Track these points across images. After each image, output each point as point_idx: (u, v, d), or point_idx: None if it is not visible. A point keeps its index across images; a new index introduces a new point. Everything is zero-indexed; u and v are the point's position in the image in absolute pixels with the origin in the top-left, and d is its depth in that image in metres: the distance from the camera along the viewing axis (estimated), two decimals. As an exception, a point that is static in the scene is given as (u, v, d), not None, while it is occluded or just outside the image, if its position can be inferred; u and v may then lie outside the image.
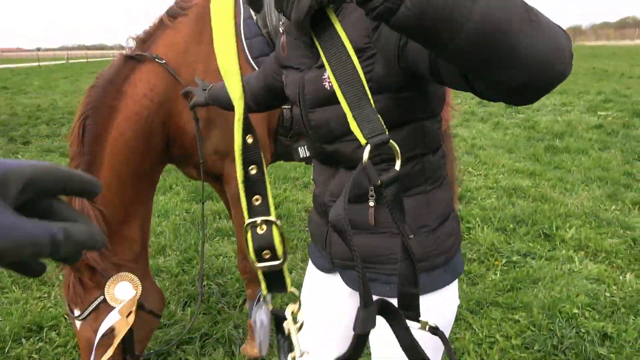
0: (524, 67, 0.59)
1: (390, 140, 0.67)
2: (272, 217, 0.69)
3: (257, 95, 1.34)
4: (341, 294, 1.21)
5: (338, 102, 0.92)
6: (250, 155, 0.69)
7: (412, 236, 1.00)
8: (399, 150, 0.69)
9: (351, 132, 0.87)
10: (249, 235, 0.70)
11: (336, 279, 1.20)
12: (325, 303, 1.25)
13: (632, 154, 5.63)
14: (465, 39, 0.55)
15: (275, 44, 1.93)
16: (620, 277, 2.93)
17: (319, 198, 1.15)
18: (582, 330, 2.40)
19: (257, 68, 1.92)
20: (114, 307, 1.67)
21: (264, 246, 0.70)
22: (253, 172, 0.70)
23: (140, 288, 1.76)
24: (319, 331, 1.26)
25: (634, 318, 2.50)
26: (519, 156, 5.77)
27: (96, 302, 1.67)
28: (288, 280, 0.74)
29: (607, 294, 2.74)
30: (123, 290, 1.73)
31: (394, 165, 0.86)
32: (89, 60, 49.00)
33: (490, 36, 0.55)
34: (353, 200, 1.04)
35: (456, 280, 1.10)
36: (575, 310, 2.55)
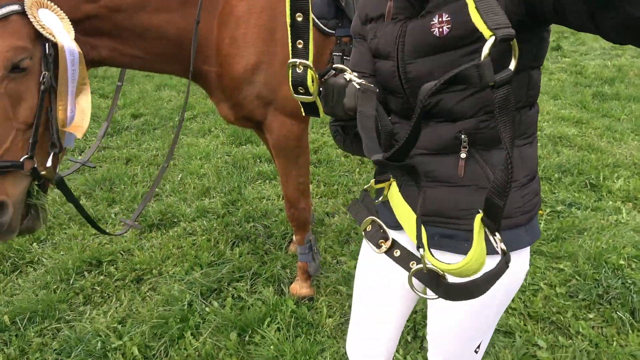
0: None
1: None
2: (309, 62, 0.83)
3: None
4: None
5: (445, 50, 0.89)
6: (298, 3, 0.80)
7: None
8: (517, 48, 0.65)
9: (457, 82, 0.85)
10: (290, 72, 0.85)
11: (404, 237, 1.18)
12: (386, 260, 1.26)
13: (688, 102, 5.33)
14: None
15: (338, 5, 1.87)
16: (670, 230, 2.87)
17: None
18: (629, 281, 2.39)
19: (320, 24, 1.87)
20: (37, 32, 1.28)
21: (299, 83, 0.85)
22: (299, 19, 0.81)
23: (72, 33, 1.38)
24: (376, 291, 1.26)
25: (683, 271, 2.47)
26: (564, 103, 5.54)
27: (2, 10, 1.23)
28: (320, 109, 0.94)
29: (655, 246, 2.70)
30: (49, 19, 1.32)
31: (492, 118, 0.85)
32: None
33: None
34: (438, 151, 1.03)
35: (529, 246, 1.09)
36: (622, 262, 2.53)
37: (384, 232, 1.01)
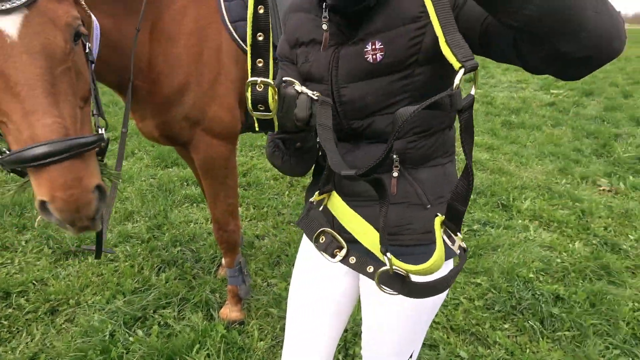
0: (590, 40, 0.66)
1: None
2: (269, 80, 0.85)
3: None
4: (339, 270, 1.25)
5: (378, 75, 0.96)
6: (259, 24, 0.82)
7: (429, 206, 1.07)
8: (478, 76, 0.74)
9: (388, 106, 0.94)
10: (249, 90, 0.86)
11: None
12: (320, 277, 1.27)
13: (582, 131, 5.96)
14: (539, 5, 0.61)
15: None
16: (570, 245, 3.16)
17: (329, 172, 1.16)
18: (537, 292, 2.60)
19: (234, 32, 1.88)
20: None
21: (260, 101, 0.86)
22: (260, 38, 0.84)
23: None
24: (309, 304, 1.29)
25: (582, 282, 2.73)
26: (477, 130, 5.99)
27: None
28: (276, 124, 0.94)
29: (559, 260, 2.97)
30: None
31: (424, 139, 0.94)
32: None
33: (563, 6, 0.62)
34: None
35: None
36: (531, 275, 2.75)
37: (338, 241, 1.04)
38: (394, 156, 1.06)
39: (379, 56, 0.99)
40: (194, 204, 3.63)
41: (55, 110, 1.04)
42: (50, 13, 1.07)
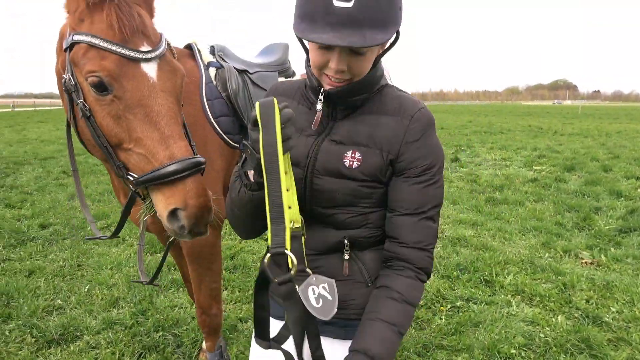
0: None
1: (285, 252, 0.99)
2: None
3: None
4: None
5: (351, 179, 1.18)
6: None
7: (370, 284, 1.20)
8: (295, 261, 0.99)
9: (353, 205, 1.19)
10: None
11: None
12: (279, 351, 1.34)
13: (563, 206, 6.13)
14: None
15: (234, 105, 2.10)
16: (553, 319, 3.18)
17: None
18: (519, 368, 2.59)
19: (217, 127, 2.07)
20: None
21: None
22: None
23: None
24: None
25: (564, 356, 2.73)
26: (462, 207, 6.15)
27: (165, 39, 1.45)
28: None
29: (542, 335, 2.98)
30: None
31: (376, 230, 1.24)
32: (36, 108, 47.59)
33: None
34: (325, 252, 1.23)
35: None
36: (513, 351, 2.76)
37: None
38: (346, 241, 1.21)
39: (355, 164, 1.17)
40: (180, 289, 3.67)
41: (183, 135, 1.33)
42: (173, 64, 1.40)
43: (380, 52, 1.16)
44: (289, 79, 2.41)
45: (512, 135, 16.41)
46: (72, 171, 1.78)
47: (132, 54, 1.29)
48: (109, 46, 1.27)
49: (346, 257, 1.22)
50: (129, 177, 1.34)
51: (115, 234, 1.73)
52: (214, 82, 2.13)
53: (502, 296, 3.54)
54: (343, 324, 1.23)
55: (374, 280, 1.22)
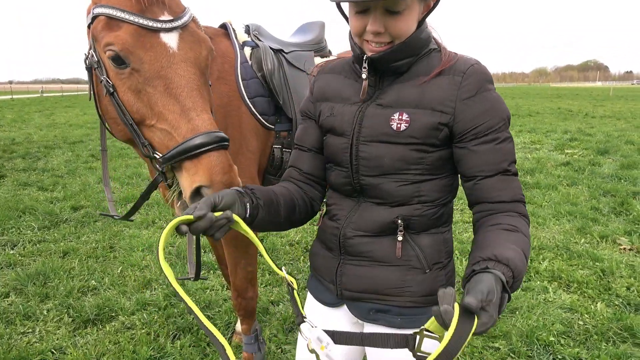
0: None
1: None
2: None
3: (314, 172, 1.31)
4: (344, 326, 1.28)
5: (398, 143, 1.10)
6: None
7: (428, 271, 1.13)
8: None
9: (401, 172, 1.11)
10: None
11: (341, 312, 1.28)
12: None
13: (598, 190, 5.93)
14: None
15: (269, 85, 2.05)
16: (592, 306, 3.08)
17: (336, 230, 1.23)
18: (559, 356, 2.52)
19: (252, 107, 2.02)
20: None
21: None
22: None
23: None
24: None
25: (605, 344, 2.64)
26: (492, 191, 6.01)
27: (189, 11, 1.37)
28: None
29: (580, 322, 2.89)
30: None
31: (428, 208, 1.14)
32: (63, 94, 48.53)
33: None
34: (376, 233, 1.16)
35: None
36: (552, 338, 2.68)
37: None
38: (399, 221, 1.13)
39: (403, 126, 1.10)
40: (211, 271, 3.69)
41: (207, 108, 1.24)
42: (197, 35, 1.32)
43: (424, 12, 1.11)
44: (326, 58, 2.34)
45: (541, 118, 15.97)
46: (101, 150, 1.76)
47: (150, 23, 1.22)
48: (126, 16, 1.21)
49: (399, 238, 1.14)
50: (155, 155, 1.27)
51: (127, 216, 1.66)
52: (249, 62, 2.08)
53: (538, 282, 3.44)
54: (397, 312, 1.17)
55: (433, 266, 1.15)
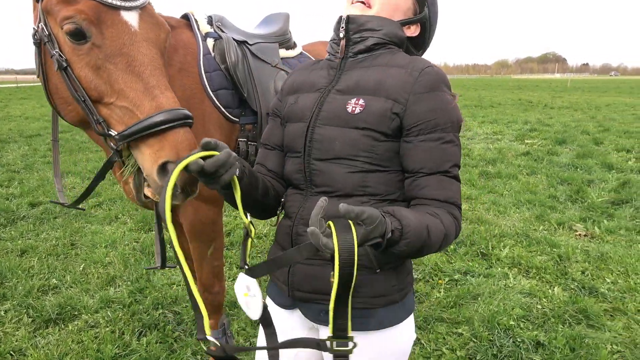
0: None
1: None
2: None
3: (277, 169, 1.33)
4: (301, 330, 1.27)
5: (351, 127, 1.13)
6: None
7: (378, 271, 1.13)
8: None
9: (350, 158, 1.12)
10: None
11: (296, 317, 1.27)
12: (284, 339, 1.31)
13: (556, 179, 6.17)
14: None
15: (233, 78, 2.03)
16: (549, 291, 3.22)
17: (288, 228, 1.22)
18: (518, 339, 2.63)
19: (216, 100, 1.99)
20: None
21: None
22: None
23: None
24: None
25: (562, 327, 2.77)
26: (456, 181, 6.15)
27: None
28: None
29: (539, 306, 3.01)
30: None
31: (377, 203, 1.15)
32: (18, 85, 46.43)
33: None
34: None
35: (412, 315, 1.22)
36: (512, 322, 2.78)
37: None
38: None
39: (358, 109, 1.12)
40: (176, 267, 3.64)
41: (169, 87, 1.23)
42: (156, 17, 1.32)
43: (409, 16, 1.26)
44: (291, 49, 2.33)
45: (503, 109, 16.42)
46: (52, 141, 1.71)
47: (111, 0, 1.20)
48: None
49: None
50: (110, 133, 1.22)
51: (77, 202, 1.60)
52: (212, 54, 2.05)
53: (499, 269, 3.56)
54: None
55: (384, 266, 1.14)
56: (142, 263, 3.65)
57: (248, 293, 1.00)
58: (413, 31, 1.28)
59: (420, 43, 1.35)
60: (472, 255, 3.82)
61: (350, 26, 1.21)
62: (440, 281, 3.37)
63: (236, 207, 1.11)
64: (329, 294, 1.06)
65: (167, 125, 1.14)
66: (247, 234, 1.11)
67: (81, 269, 3.58)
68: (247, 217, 1.11)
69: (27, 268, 3.56)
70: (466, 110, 15.92)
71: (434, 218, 1.03)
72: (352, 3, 1.22)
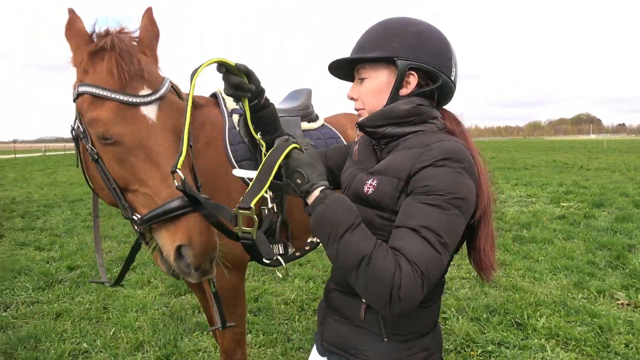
0: (363, 294, 1.04)
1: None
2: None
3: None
4: None
5: (366, 206, 1.20)
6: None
7: (385, 339, 1.15)
8: None
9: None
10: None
11: None
12: None
13: (594, 244, 5.94)
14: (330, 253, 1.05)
15: (255, 150, 2.16)
16: (591, 365, 3.03)
17: (326, 284, 1.35)
18: (558, 419, 2.46)
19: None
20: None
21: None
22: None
23: None
24: None
25: (605, 405, 2.58)
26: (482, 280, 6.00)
27: (168, 80, 1.48)
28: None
29: (579, 382, 2.83)
30: None
31: None
32: (66, 152, 49.19)
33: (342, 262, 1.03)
34: (347, 290, 1.21)
35: None
36: (550, 399, 2.62)
37: None
38: None
39: (370, 190, 1.18)
40: (204, 332, 3.64)
41: (187, 173, 1.32)
42: (175, 104, 1.42)
43: (395, 85, 1.22)
44: (312, 122, 2.47)
45: (537, 171, 16.18)
46: (93, 217, 1.84)
47: (130, 99, 1.31)
48: (108, 94, 1.30)
49: (364, 300, 1.17)
50: (134, 217, 1.35)
51: (117, 282, 1.72)
52: (237, 128, 2.19)
53: (536, 340, 3.40)
54: None
55: (391, 337, 1.17)
56: (171, 328, 3.67)
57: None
58: (412, 84, 1.22)
59: (436, 83, 1.24)
60: (506, 325, 3.67)
61: (366, 131, 1.28)
62: (472, 352, 3.23)
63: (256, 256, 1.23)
64: (344, 350, 1.24)
65: (181, 212, 1.24)
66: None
67: (112, 333, 3.63)
68: (257, 134, 1.46)
69: (60, 331, 3.63)
70: (498, 173, 15.76)
71: (371, 237, 1.02)
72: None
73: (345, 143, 2.08)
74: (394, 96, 1.22)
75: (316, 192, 1.09)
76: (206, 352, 3.32)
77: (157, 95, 1.37)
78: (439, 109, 1.29)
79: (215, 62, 1.26)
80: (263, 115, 1.43)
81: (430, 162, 1.09)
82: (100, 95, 1.32)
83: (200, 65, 1.22)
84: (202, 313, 3.98)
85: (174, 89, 1.51)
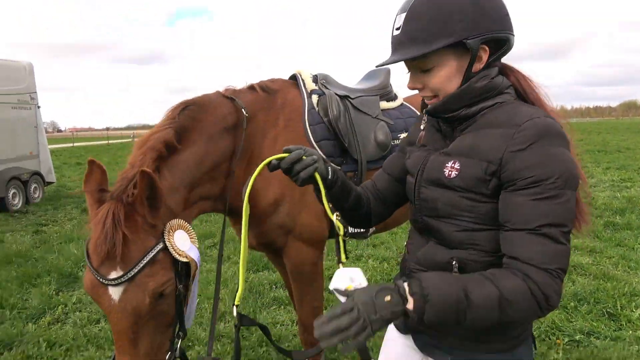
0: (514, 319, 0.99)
1: None
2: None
3: (383, 192, 1.43)
4: (408, 354, 1.33)
5: (448, 188, 1.15)
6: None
7: None
8: None
9: (454, 217, 1.14)
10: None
11: (408, 341, 1.32)
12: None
13: (701, 232, 5.37)
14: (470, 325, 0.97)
15: (335, 129, 2.15)
16: (696, 362, 2.77)
17: (406, 262, 1.31)
18: (656, 415, 2.28)
19: (319, 150, 2.12)
20: (175, 259, 1.47)
21: None
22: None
23: (196, 241, 1.60)
24: None
25: None
26: (576, 232, 5.63)
27: (152, 253, 1.42)
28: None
29: (682, 379, 2.60)
30: (181, 241, 1.52)
31: (484, 256, 1.15)
32: (152, 137, 52.41)
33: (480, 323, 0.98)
34: (431, 269, 1.20)
35: None
36: (647, 394, 2.43)
37: None
38: (454, 262, 1.14)
39: (453, 174, 1.13)
40: (282, 306, 3.76)
41: (134, 350, 1.42)
42: (144, 285, 1.41)
43: (467, 64, 1.12)
44: (392, 101, 2.45)
45: (632, 154, 14.84)
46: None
47: (100, 279, 1.39)
48: (89, 265, 1.42)
49: (455, 269, 1.13)
50: None
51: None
52: (316, 109, 2.21)
53: (630, 332, 3.15)
54: (448, 350, 1.20)
55: None
56: (249, 301, 3.83)
57: (352, 285, 1.03)
58: (484, 58, 1.14)
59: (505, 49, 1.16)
60: (596, 314, 3.43)
61: (437, 116, 1.21)
62: (558, 341, 3.06)
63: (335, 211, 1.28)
64: (432, 328, 1.20)
65: None
66: (337, 232, 1.25)
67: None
68: (332, 215, 1.28)
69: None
70: (588, 156, 14.64)
71: (483, 279, 0.97)
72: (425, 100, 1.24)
73: None
74: (468, 75, 1.13)
75: (409, 304, 0.94)
76: (283, 324, 3.43)
77: (126, 278, 1.38)
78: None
79: (265, 165, 1.22)
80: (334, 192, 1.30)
81: (526, 144, 1.03)
82: (87, 263, 1.44)
83: (250, 178, 1.26)
84: (279, 288, 4.12)
85: (168, 245, 1.48)
